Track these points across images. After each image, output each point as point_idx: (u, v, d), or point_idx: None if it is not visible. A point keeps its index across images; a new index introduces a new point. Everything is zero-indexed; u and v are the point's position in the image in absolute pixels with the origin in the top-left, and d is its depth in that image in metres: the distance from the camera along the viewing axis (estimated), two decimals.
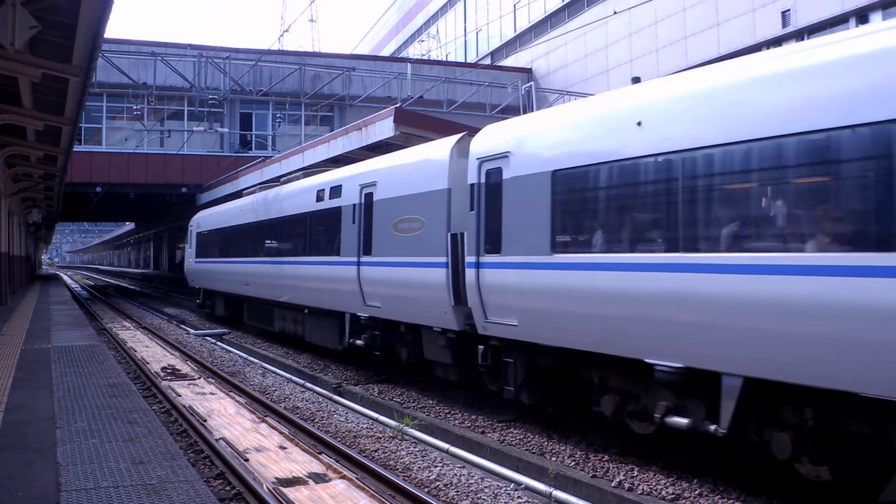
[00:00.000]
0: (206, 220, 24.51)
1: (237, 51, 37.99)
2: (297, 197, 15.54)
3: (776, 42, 25.64)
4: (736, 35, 27.78)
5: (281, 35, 75.01)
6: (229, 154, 37.77)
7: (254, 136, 40.09)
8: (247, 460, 7.46)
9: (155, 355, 15.13)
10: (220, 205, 24.39)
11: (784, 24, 26.19)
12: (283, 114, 38.74)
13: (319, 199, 14.05)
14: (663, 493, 6.61)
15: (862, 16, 23.60)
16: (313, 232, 14.42)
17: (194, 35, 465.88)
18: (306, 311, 14.88)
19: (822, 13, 24.75)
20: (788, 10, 26.02)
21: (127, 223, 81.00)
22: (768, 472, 6.95)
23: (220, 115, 37.92)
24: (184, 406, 9.91)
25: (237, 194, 29.55)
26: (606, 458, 7.68)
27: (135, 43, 37.16)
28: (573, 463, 7.64)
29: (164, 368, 13.23)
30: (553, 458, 7.81)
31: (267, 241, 17.30)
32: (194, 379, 12.42)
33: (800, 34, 25.21)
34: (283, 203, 16.39)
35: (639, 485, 6.79)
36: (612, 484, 6.81)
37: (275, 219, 16.81)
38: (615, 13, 21.10)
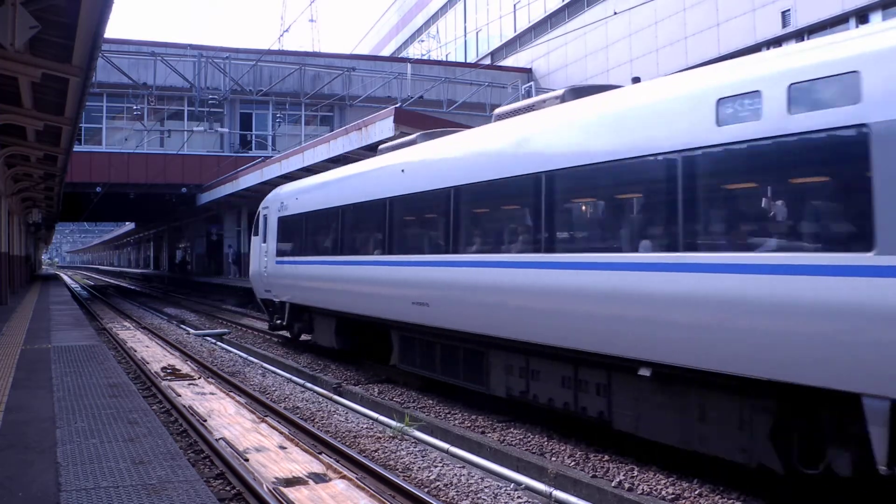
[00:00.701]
0: (302, 195, 15.72)
1: (237, 51, 38.03)
2: (628, 119, 7.17)
3: (776, 42, 25.66)
4: (736, 35, 27.79)
5: (281, 35, 75.22)
6: (229, 154, 37.86)
7: (254, 136, 40.15)
8: (247, 460, 7.45)
9: (155, 355, 15.12)
10: (334, 170, 15.44)
11: (784, 24, 26.20)
12: (283, 114, 38.80)
13: (727, 118, 6.10)
14: (663, 493, 6.60)
15: (862, 16, 23.61)
16: (700, 197, 6.36)
17: (194, 35, 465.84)
18: (646, 372, 6.95)
19: (822, 13, 24.76)
20: (788, 10, 26.03)
21: (127, 223, 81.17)
22: (768, 472, 6.94)
23: (220, 115, 37.99)
24: (184, 406, 9.91)
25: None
26: (606, 458, 7.68)
27: (135, 43, 37.22)
28: (573, 463, 7.63)
29: (164, 368, 13.23)
30: (553, 458, 7.81)
31: (500, 224, 9.45)
32: (194, 379, 12.42)
33: (800, 34, 25.23)
34: (570, 137, 7.89)
35: (639, 485, 6.79)
36: (612, 484, 6.80)
37: (534, 175, 8.22)
38: (615, 13, 21.17)
